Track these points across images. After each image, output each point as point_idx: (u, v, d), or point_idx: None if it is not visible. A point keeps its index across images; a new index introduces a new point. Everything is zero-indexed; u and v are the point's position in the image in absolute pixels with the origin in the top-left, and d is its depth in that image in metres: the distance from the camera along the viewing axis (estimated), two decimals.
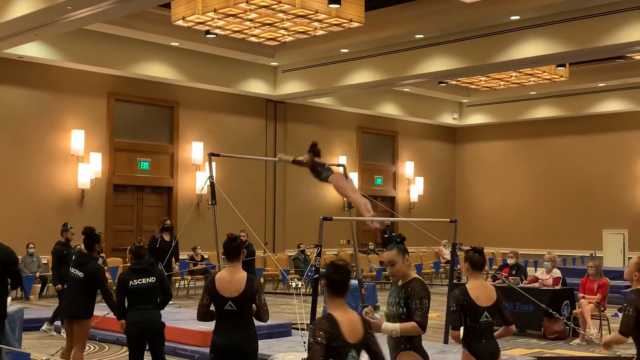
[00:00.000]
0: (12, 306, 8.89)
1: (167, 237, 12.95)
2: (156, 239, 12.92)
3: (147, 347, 6.73)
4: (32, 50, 14.68)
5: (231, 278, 5.23)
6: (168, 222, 13.41)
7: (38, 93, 15.61)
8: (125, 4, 11.40)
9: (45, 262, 14.68)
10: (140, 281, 6.59)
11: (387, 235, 20.39)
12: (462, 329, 5.07)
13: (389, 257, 4.77)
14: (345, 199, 9.24)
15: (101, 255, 15.62)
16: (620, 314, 12.48)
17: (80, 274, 7.17)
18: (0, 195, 14.92)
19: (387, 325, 4.62)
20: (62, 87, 15.90)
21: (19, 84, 15.32)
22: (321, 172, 9.05)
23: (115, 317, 7.14)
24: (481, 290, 5.11)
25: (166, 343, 9.23)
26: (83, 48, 15.38)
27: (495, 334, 5.14)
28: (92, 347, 9.67)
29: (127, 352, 6.97)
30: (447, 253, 19.66)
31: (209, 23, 13.69)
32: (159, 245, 12.66)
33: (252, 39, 15.07)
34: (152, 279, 6.63)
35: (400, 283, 4.73)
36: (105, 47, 15.64)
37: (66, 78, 15.92)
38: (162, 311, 6.90)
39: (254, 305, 5.23)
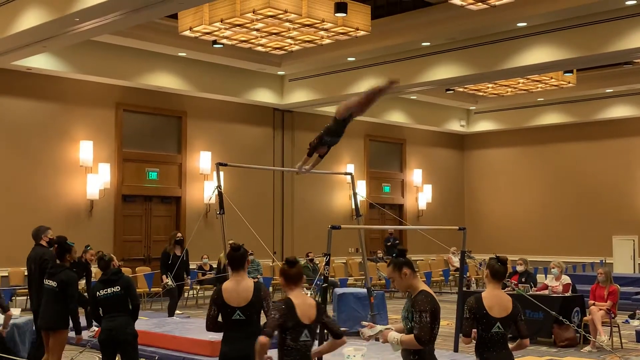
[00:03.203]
0: (21, 317, 8.92)
1: (178, 252, 13.00)
2: (168, 254, 12.97)
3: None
4: (40, 62, 14.76)
5: (238, 287, 5.22)
6: (179, 235, 13.44)
7: (46, 104, 15.68)
8: (133, 15, 11.46)
9: None
10: (105, 291, 6.73)
11: (389, 244, 20.35)
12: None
13: (387, 275, 4.82)
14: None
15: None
16: (631, 321, 12.39)
17: (54, 284, 7.19)
18: (10, 206, 14.98)
19: (391, 335, 4.66)
20: (70, 98, 15.97)
21: (27, 96, 15.40)
22: (329, 129, 8.43)
23: (75, 331, 7.27)
24: (496, 300, 5.05)
25: (176, 353, 9.29)
26: (91, 59, 15.45)
27: (509, 347, 5.10)
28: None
29: None
30: (455, 261, 19.61)
31: (216, 33, 13.74)
32: (172, 260, 12.71)
33: (259, 48, 15.11)
34: (116, 288, 6.74)
35: (410, 296, 4.71)
36: (113, 58, 15.71)
37: (74, 89, 15.99)
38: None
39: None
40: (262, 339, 4.51)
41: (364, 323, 4.93)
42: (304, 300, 4.64)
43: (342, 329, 11.30)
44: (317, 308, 4.63)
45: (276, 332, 4.57)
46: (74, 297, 7.26)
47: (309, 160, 8.54)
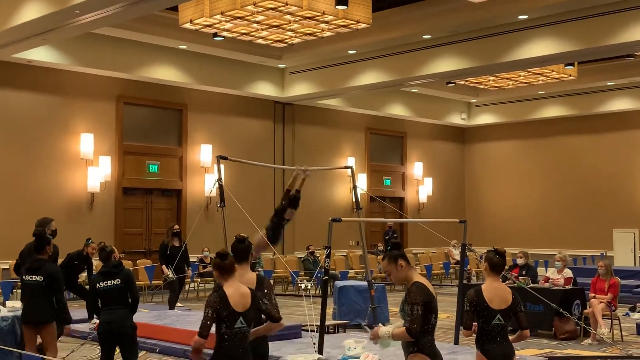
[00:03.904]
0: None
1: (176, 243, 13.04)
2: (166, 245, 13.00)
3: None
4: (40, 54, 14.74)
5: (240, 279, 5.22)
6: (176, 227, 13.50)
7: (47, 97, 15.67)
8: (133, 7, 11.44)
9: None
10: (105, 283, 6.74)
11: (387, 237, 20.37)
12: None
13: (383, 268, 4.83)
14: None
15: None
16: (632, 314, 12.43)
17: (39, 278, 7.13)
18: (10, 199, 14.99)
19: (382, 329, 4.67)
20: (70, 91, 15.95)
21: (28, 89, 15.38)
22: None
23: (63, 320, 7.31)
24: (496, 292, 5.07)
25: (176, 345, 9.31)
26: (91, 52, 15.43)
27: (510, 338, 5.12)
28: None
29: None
30: (456, 254, 19.62)
31: (216, 26, 13.71)
32: (170, 251, 12.74)
33: (260, 41, 15.08)
34: (117, 281, 6.76)
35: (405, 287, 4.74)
36: (114, 50, 15.69)
37: (75, 82, 15.97)
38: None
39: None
40: (198, 339, 4.71)
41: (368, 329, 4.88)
42: (237, 289, 4.82)
43: (342, 321, 11.33)
44: (251, 296, 4.84)
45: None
46: (61, 289, 7.27)
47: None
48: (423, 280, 4.68)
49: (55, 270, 7.26)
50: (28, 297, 7.25)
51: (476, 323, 5.07)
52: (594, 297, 10.76)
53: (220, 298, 4.75)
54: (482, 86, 20.60)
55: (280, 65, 18.27)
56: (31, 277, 7.17)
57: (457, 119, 23.71)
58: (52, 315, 7.19)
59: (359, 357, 7.24)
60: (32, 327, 7.24)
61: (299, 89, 18.68)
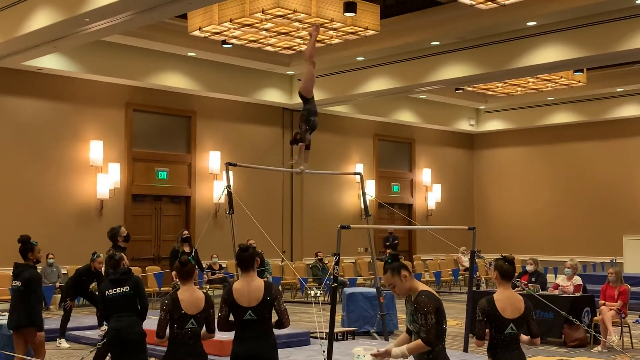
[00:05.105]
0: None
1: (187, 249, 13.10)
2: (177, 251, 13.04)
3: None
4: (50, 62, 14.82)
5: (249, 287, 5.23)
6: (186, 233, 13.57)
7: (57, 104, 15.75)
8: (143, 15, 11.49)
9: (65, 272, 14.78)
10: (115, 291, 6.80)
11: (388, 243, 20.35)
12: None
13: (386, 281, 4.71)
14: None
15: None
16: None
17: (18, 283, 7.25)
18: (20, 206, 15.05)
19: (396, 350, 4.58)
20: (80, 98, 16.03)
21: (37, 96, 15.46)
22: (310, 110, 9.16)
23: (37, 326, 7.32)
24: (508, 301, 5.01)
25: None
26: (101, 59, 15.51)
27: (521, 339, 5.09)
28: None
29: None
30: (465, 260, 19.58)
31: (225, 33, 13.77)
32: (181, 257, 12.77)
33: (268, 48, 15.13)
34: (125, 288, 6.81)
35: (410, 298, 4.67)
36: (123, 58, 15.77)
37: (84, 89, 16.05)
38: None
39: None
40: (156, 339, 5.29)
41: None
42: (191, 293, 5.34)
43: (351, 328, 11.28)
44: (205, 300, 5.35)
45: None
46: (37, 293, 7.28)
47: (299, 153, 9.14)
48: (427, 287, 4.66)
49: (32, 275, 7.28)
50: (12, 302, 7.48)
51: (488, 331, 5.04)
52: (604, 304, 10.71)
53: (171, 301, 5.23)
54: (490, 92, 20.59)
55: (288, 72, 18.31)
56: (14, 283, 7.36)
57: (465, 125, 23.69)
58: (30, 320, 7.23)
59: None
60: (16, 333, 7.36)
61: None
